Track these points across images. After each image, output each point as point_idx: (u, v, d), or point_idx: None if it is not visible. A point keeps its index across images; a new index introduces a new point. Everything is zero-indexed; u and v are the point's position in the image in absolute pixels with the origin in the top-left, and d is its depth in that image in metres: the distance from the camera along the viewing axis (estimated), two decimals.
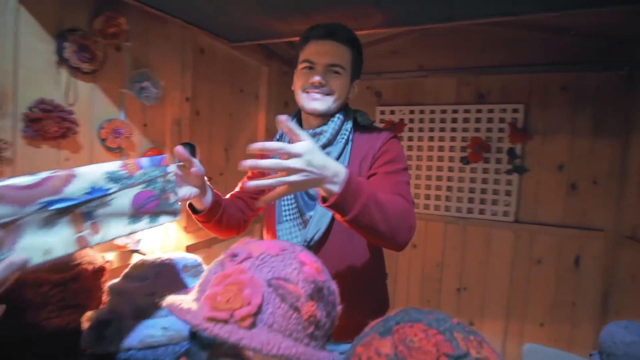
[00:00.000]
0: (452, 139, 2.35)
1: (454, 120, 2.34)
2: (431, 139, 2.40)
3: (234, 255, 0.48)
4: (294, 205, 0.96)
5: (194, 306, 0.44)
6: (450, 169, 2.37)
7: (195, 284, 0.57)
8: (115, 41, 1.15)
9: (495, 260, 2.31)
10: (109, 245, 1.15)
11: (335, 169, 0.66)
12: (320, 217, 0.92)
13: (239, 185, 1.09)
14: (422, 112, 2.41)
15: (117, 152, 1.20)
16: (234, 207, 1.00)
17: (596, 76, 2.09)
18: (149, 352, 0.57)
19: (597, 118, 2.10)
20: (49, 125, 0.95)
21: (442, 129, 2.37)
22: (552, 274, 2.20)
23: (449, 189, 2.38)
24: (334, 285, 0.52)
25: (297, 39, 1.47)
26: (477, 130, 2.29)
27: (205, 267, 0.71)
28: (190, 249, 1.48)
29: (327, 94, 0.92)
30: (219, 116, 1.71)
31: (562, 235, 2.17)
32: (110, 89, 1.17)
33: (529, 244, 2.24)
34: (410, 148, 2.44)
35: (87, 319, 0.63)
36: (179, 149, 0.71)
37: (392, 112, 2.47)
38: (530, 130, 2.19)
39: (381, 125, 2.50)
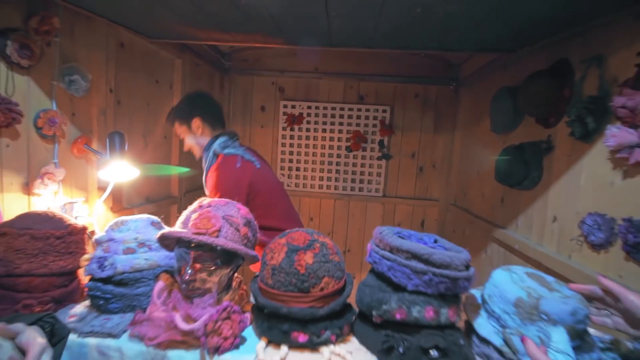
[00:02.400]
0: (340, 131, 2.93)
1: (341, 116, 2.92)
2: (324, 130, 2.93)
3: (200, 206, 0.85)
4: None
5: (184, 230, 0.80)
6: (338, 156, 2.95)
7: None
8: (47, 38, 1.28)
9: (369, 226, 3.01)
10: None
11: None
12: None
13: None
14: (317, 107, 2.92)
15: (50, 139, 1.35)
16: None
17: (436, 88, 2.90)
18: (137, 273, 0.88)
19: (436, 119, 2.92)
20: None
21: (332, 123, 2.92)
22: None
23: (337, 171, 2.97)
24: (255, 221, 0.92)
25: (213, 43, 1.92)
26: (357, 125, 2.92)
27: (163, 224, 1.03)
28: None
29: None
30: (138, 105, 1.89)
31: (413, 205, 2.97)
32: (42, 81, 1.30)
33: (392, 212, 2.99)
34: (308, 138, 2.94)
35: (85, 260, 0.90)
36: None
37: (294, 107, 2.92)
38: (394, 127, 2.91)
39: (284, 118, 2.93)
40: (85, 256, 0.90)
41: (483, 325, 0.77)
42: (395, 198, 2.97)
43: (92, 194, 1.55)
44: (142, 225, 0.95)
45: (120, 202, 1.76)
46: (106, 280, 0.87)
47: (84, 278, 0.96)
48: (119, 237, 0.91)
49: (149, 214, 1.95)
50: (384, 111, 2.90)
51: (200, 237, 0.77)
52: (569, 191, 1.45)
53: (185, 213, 0.86)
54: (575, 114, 1.36)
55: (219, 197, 1.47)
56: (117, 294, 0.86)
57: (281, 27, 1.55)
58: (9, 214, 1.14)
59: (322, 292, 0.76)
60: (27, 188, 1.27)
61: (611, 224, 1.19)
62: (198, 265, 0.81)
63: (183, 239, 0.79)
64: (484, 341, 0.76)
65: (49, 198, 1.34)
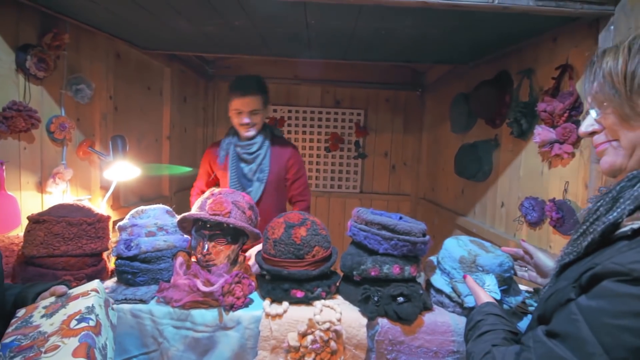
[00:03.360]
0: (319, 133, 3.15)
1: (320, 119, 3.14)
2: (304, 132, 3.15)
3: (213, 194, 1.04)
4: (238, 184, 1.62)
5: (201, 212, 0.99)
6: (318, 156, 3.18)
7: (174, 219, 1.10)
8: (58, 52, 1.43)
9: (348, 220, 3.24)
10: None
11: None
12: (255, 191, 1.64)
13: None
14: (297, 111, 3.13)
15: (60, 143, 1.49)
16: None
17: (405, 94, 3.19)
18: (158, 252, 1.06)
19: (405, 122, 3.21)
20: (19, 122, 1.23)
21: (311, 126, 3.14)
22: None
23: (317, 170, 3.19)
24: (256, 207, 1.13)
25: (202, 54, 2.11)
26: (335, 127, 3.15)
27: (175, 213, 1.22)
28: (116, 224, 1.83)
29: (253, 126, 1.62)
30: (133, 111, 2.03)
31: (387, 200, 3.24)
32: (53, 90, 1.44)
33: (369, 207, 3.23)
34: (289, 140, 3.13)
35: (112, 243, 1.06)
36: None
37: (275, 111, 3.12)
38: (368, 129, 3.17)
39: (266, 121, 3.11)
40: (112, 239, 1.07)
41: (437, 279, 1.01)
42: (371, 194, 3.23)
43: (95, 193, 1.69)
44: (159, 213, 1.13)
45: (118, 200, 1.90)
46: (132, 259, 1.04)
47: (108, 260, 1.12)
48: (141, 222, 1.08)
49: None
50: (359, 114, 3.16)
51: (217, 217, 0.96)
52: (512, 180, 1.75)
53: (199, 200, 1.05)
54: (513, 116, 1.65)
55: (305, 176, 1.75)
56: (143, 269, 1.03)
57: (267, 43, 1.75)
58: (26, 211, 1.28)
59: (314, 258, 0.97)
60: (41, 187, 1.40)
61: (542, 205, 1.48)
62: (213, 242, 1.00)
63: (202, 219, 0.98)
64: (439, 291, 1.01)
65: (59, 196, 1.48)
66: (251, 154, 1.64)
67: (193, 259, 1.09)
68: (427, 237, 1.00)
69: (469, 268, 0.96)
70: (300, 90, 3.17)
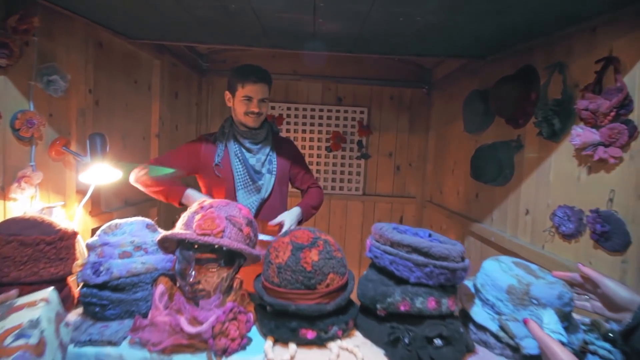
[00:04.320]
0: (319, 132, 2.96)
1: (321, 117, 2.95)
2: (304, 131, 2.95)
3: (202, 207, 0.85)
4: (247, 178, 1.50)
5: (188, 232, 0.79)
6: (319, 156, 2.98)
7: (157, 234, 0.91)
8: (26, 37, 1.22)
9: (350, 224, 3.06)
10: None
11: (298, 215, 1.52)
12: (267, 183, 1.56)
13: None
14: (296, 109, 2.93)
15: (27, 142, 1.28)
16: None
17: (411, 91, 3.01)
18: (134, 278, 0.86)
19: (411, 120, 3.03)
20: None
21: (312, 124, 2.95)
22: None
23: (318, 171, 3.00)
24: (255, 221, 0.93)
25: (195, 44, 1.91)
26: (336, 125, 2.96)
27: (157, 226, 1.02)
28: (95, 231, 1.62)
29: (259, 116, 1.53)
30: (116, 106, 1.82)
31: (392, 202, 3.06)
32: (19, 81, 1.23)
33: (372, 210, 3.06)
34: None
35: (78, 266, 0.86)
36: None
37: (273, 108, 2.92)
38: (371, 128, 2.99)
39: None
40: (78, 262, 0.87)
41: (479, 312, 0.83)
42: (374, 196, 3.04)
43: (71, 198, 1.49)
44: (137, 228, 0.93)
45: (98, 205, 1.69)
46: (102, 286, 0.84)
47: (74, 286, 0.92)
48: (114, 240, 0.88)
49: (127, 217, 1.92)
50: (362, 112, 2.97)
51: (206, 238, 0.77)
52: (540, 186, 1.57)
53: (186, 214, 0.85)
54: (542, 115, 1.47)
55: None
56: (115, 299, 0.83)
57: (267, 31, 1.56)
58: None
59: (328, 288, 0.79)
60: (3, 193, 1.20)
61: (579, 215, 1.30)
62: (202, 267, 0.81)
63: (188, 240, 0.78)
64: (481, 328, 0.82)
65: (26, 203, 1.27)
66: (257, 143, 1.56)
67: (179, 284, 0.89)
68: (467, 261, 0.82)
69: (520, 300, 0.78)
70: (300, 87, 2.97)
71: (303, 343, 0.78)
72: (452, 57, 1.89)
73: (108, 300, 0.83)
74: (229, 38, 1.73)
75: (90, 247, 0.89)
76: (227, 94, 1.57)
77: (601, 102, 1.15)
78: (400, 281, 0.79)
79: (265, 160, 1.57)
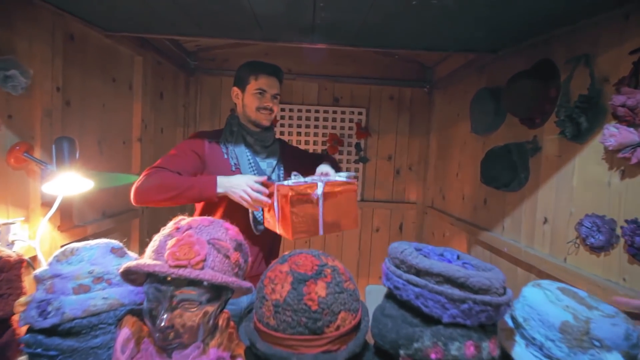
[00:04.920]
0: (315, 134, 2.80)
1: (317, 119, 2.79)
2: (299, 134, 2.79)
3: (178, 228, 0.67)
4: None
5: (157, 262, 0.62)
6: None
7: (125, 260, 0.73)
8: None
9: (347, 232, 2.90)
10: None
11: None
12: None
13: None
14: (291, 110, 2.77)
15: None
16: None
17: (411, 90, 2.87)
18: (93, 318, 0.69)
19: (411, 122, 2.88)
20: None
21: (307, 126, 2.79)
22: (386, 238, 2.93)
23: None
24: (246, 243, 0.76)
25: (180, 37, 1.72)
26: (333, 127, 2.80)
27: (127, 250, 0.84)
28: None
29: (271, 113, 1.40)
30: (91, 107, 1.64)
31: (391, 208, 2.90)
32: None
33: (370, 217, 2.90)
34: None
35: (21, 304, 0.69)
36: None
37: None
38: (370, 129, 2.83)
39: None
40: (21, 300, 0.69)
41: (524, 355, 0.67)
42: (373, 202, 2.89)
43: (35, 212, 1.30)
44: (98, 253, 0.76)
45: (70, 219, 1.50)
46: (50, 331, 0.67)
47: (19, 327, 0.74)
48: (68, 271, 0.71)
49: (105, 230, 1.73)
50: (360, 113, 2.82)
51: (181, 272, 0.60)
52: (560, 192, 1.43)
53: (157, 238, 0.68)
54: (566, 113, 1.33)
55: None
56: (66, 348, 0.66)
57: (260, 20, 1.39)
58: None
59: (339, 330, 0.62)
60: None
61: (612, 226, 1.16)
62: (177, 306, 0.63)
63: (157, 274, 0.61)
64: None
65: None
66: (267, 146, 1.44)
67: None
68: (509, 292, 0.66)
69: (577, 342, 0.62)
70: (294, 86, 2.81)
71: None
72: (463, 51, 1.75)
73: (58, 349, 0.65)
74: (218, 30, 1.57)
75: (38, 280, 0.71)
76: (235, 90, 1.42)
77: None
78: (429, 320, 0.63)
79: (275, 165, 1.45)
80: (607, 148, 1.13)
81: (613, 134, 1.10)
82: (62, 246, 1.43)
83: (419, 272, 0.65)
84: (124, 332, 0.64)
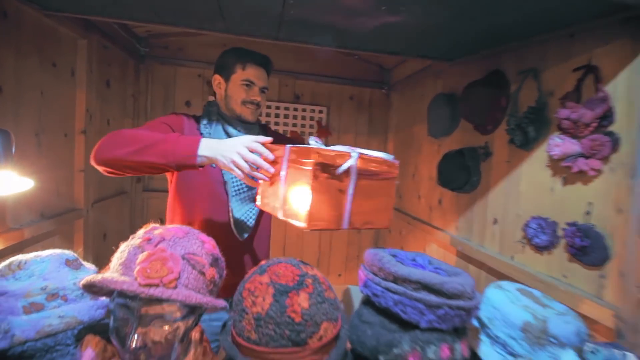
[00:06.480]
0: (276, 131, 2.74)
1: (277, 115, 2.75)
2: None
3: (149, 240, 0.62)
4: (241, 182, 1.21)
5: (126, 279, 0.57)
6: None
7: (82, 273, 0.67)
8: None
9: (308, 234, 2.90)
10: None
11: None
12: None
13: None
14: None
15: None
16: None
17: (370, 91, 2.93)
18: (48, 339, 0.61)
19: (370, 121, 2.95)
20: None
21: (267, 122, 2.73)
22: (345, 237, 2.98)
23: None
24: (222, 257, 0.73)
25: (134, 23, 1.55)
26: (294, 125, 2.78)
27: (82, 260, 0.76)
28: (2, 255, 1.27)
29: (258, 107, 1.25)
30: (27, 95, 1.45)
31: None
32: None
33: None
34: None
35: None
36: None
37: None
38: (331, 128, 2.86)
39: None
40: None
41: (489, 353, 0.72)
42: None
43: None
44: (51, 266, 0.67)
45: (3, 221, 1.33)
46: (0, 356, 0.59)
47: None
48: (16, 288, 0.62)
49: (45, 233, 1.56)
50: (320, 112, 2.83)
51: (152, 291, 0.55)
52: (509, 195, 1.55)
53: (125, 249, 0.62)
54: (515, 123, 1.45)
55: None
56: None
57: (226, 14, 1.33)
58: None
59: (321, 341, 0.62)
60: None
61: (554, 227, 1.29)
62: (148, 324, 0.59)
63: (126, 293, 0.56)
64: None
65: None
66: None
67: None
68: (478, 295, 0.70)
69: (537, 340, 0.68)
70: None
71: None
72: (421, 57, 1.81)
73: None
74: (177, 18, 1.46)
75: None
76: (218, 78, 1.26)
77: (584, 111, 1.13)
78: (407, 325, 0.65)
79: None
80: (552, 157, 1.25)
81: (558, 144, 1.21)
82: None
83: (396, 280, 0.67)
84: (88, 354, 0.58)
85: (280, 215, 0.84)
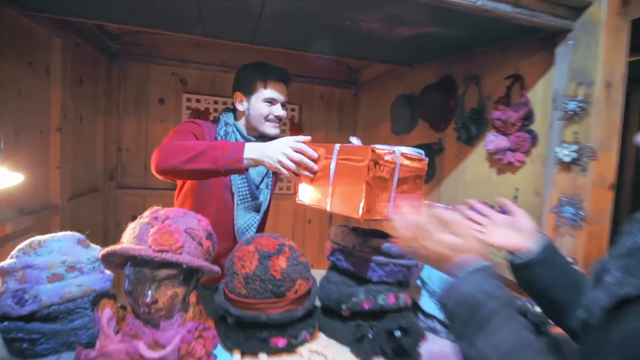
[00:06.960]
0: None
1: None
2: None
3: (156, 218, 0.76)
4: (247, 192, 1.29)
5: (142, 247, 0.71)
6: None
7: (91, 251, 0.80)
8: None
9: (283, 223, 3.06)
10: None
11: None
12: (265, 200, 1.38)
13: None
14: (224, 103, 2.79)
15: None
16: None
17: (340, 90, 3.12)
18: (70, 304, 0.74)
19: (340, 119, 3.14)
20: None
21: None
22: (318, 230, 3.17)
23: None
24: (214, 233, 0.88)
25: (111, 24, 1.61)
26: None
27: (90, 242, 0.89)
28: None
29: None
30: (6, 93, 1.50)
31: None
32: None
33: (303, 209, 3.11)
34: None
35: None
36: None
37: (198, 101, 2.73)
38: (303, 126, 3.02)
39: (188, 112, 2.71)
40: None
41: (426, 303, 0.92)
42: None
43: None
44: (68, 244, 0.79)
45: None
46: (29, 318, 0.70)
47: None
48: (40, 262, 0.74)
49: (24, 228, 1.61)
50: (293, 110, 2.97)
51: (164, 255, 0.70)
52: (458, 185, 1.80)
53: (136, 226, 0.76)
54: (461, 122, 1.69)
55: None
56: (48, 331, 0.70)
57: (205, 19, 1.45)
58: None
59: (297, 294, 0.79)
60: None
61: None
62: (159, 285, 0.73)
63: (143, 257, 0.70)
64: (429, 316, 0.91)
65: None
66: None
67: (120, 304, 0.80)
68: None
69: None
70: (228, 79, 2.83)
71: (274, 352, 0.77)
72: (384, 62, 2.02)
73: (39, 333, 0.70)
74: (155, 21, 1.56)
75: (5, 273, 0.73)
76: (239, 96, 1.27)
77: (510, 113, 1.37)
78: (363, 281, 0.84)
79: (265, 173, 1.35)
80: (488, 151, 1.49)
81: (492, 140, 1.45)
82: None
83: (354, 246, 0.85)
84: (107, 312, 0.71)
85: (328, 208, 0.87)
